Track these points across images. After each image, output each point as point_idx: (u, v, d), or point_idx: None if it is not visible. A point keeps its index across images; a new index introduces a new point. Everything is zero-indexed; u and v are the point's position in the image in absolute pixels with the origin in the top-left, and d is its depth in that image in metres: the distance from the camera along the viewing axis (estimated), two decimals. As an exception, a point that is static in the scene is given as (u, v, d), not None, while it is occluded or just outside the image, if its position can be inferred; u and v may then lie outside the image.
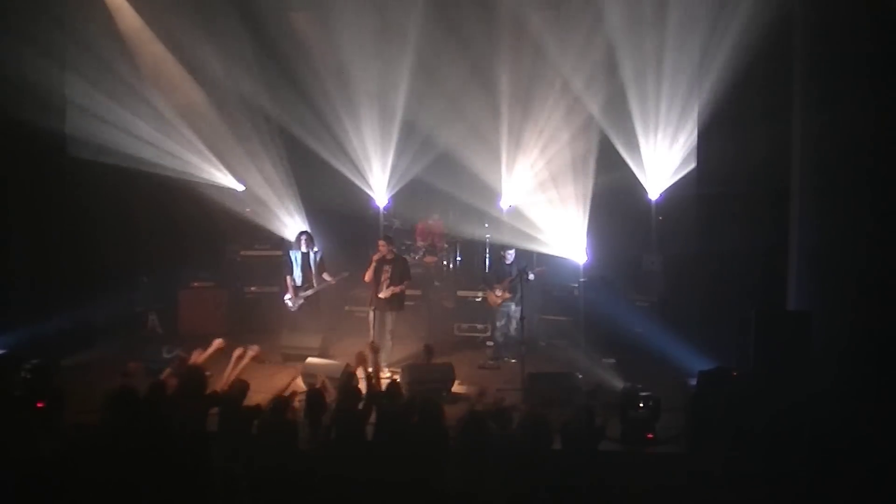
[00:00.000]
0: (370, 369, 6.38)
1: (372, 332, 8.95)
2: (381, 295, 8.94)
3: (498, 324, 9.62)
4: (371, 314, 9.08)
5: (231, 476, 5.30)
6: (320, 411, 5.60)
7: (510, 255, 9.57)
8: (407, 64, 10.71)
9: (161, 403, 5.42)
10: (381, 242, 9.16)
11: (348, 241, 11.35)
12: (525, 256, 9.95)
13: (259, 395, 6.22)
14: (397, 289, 8.94)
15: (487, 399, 6.31)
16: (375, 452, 5.41)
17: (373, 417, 5.72)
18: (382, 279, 9.02)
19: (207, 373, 5.87)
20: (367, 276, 9.04)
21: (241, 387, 5.87)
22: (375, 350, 6.86)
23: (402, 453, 5.25)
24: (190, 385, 5.64)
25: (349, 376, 6.38)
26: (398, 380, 6.58)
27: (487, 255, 11.58)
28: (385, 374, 8.54)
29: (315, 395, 5.74)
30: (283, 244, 11.01)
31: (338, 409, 5.72)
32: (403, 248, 11.40)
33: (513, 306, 9.39)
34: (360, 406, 5.74)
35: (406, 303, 9.39)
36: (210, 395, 5.74)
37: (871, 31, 7.23)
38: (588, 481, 5.07)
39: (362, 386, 6.22)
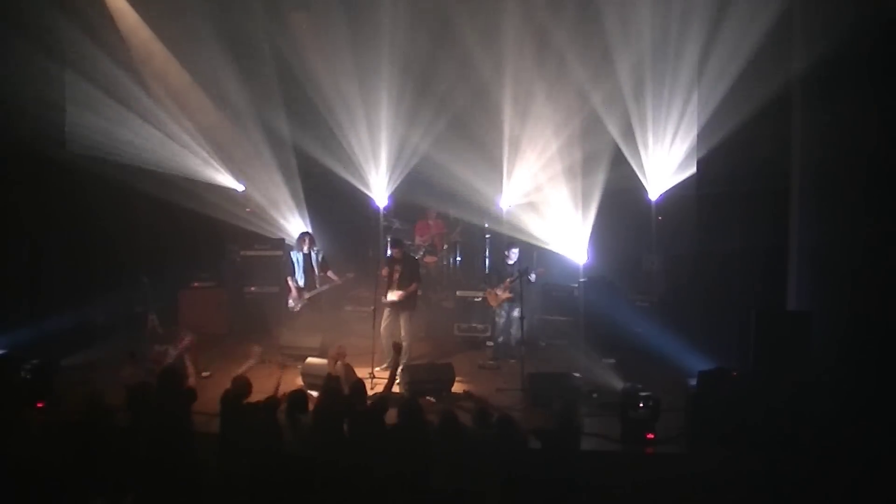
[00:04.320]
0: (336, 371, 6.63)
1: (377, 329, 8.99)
2: (389, 298, 9.04)
3: (498, 322, 9.61)
4: (384, 313, 9.12)
5: (225, 474, 5.32)
6: (302, 412, 5.63)
7: (514, 255, 9.54)
8: (409, 63, 10.73)
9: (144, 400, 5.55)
10: (394, 249, 9.35)
11: (348, 241, 11.33)
12: (526, 257, 9.93)
13: (259, 395, 6.23)
14: (403, 294, 9.04)
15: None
16: (355, 452, 5.44)
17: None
18: (393, 278, 9.13)
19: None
20: (384, 273, 9.23)
21: (241, 384, 5.94)
22: (342, 355, 7.40)
23: (384, 453, 5.28)
24: (169, 381, 5.74)
25: (329, 378, 6.46)
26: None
27: (487, 256, 11.57)
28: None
29: (297, 396, 5.79)
30: (283, 245, 11.01)
31: (317, 410, 5.77)
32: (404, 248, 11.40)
33: (513, 306, 9.38)
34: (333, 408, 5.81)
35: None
36: (188, 389, 5.88)
37: (871, 31, 7.23)
38: (586, 481, 5.08)
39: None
